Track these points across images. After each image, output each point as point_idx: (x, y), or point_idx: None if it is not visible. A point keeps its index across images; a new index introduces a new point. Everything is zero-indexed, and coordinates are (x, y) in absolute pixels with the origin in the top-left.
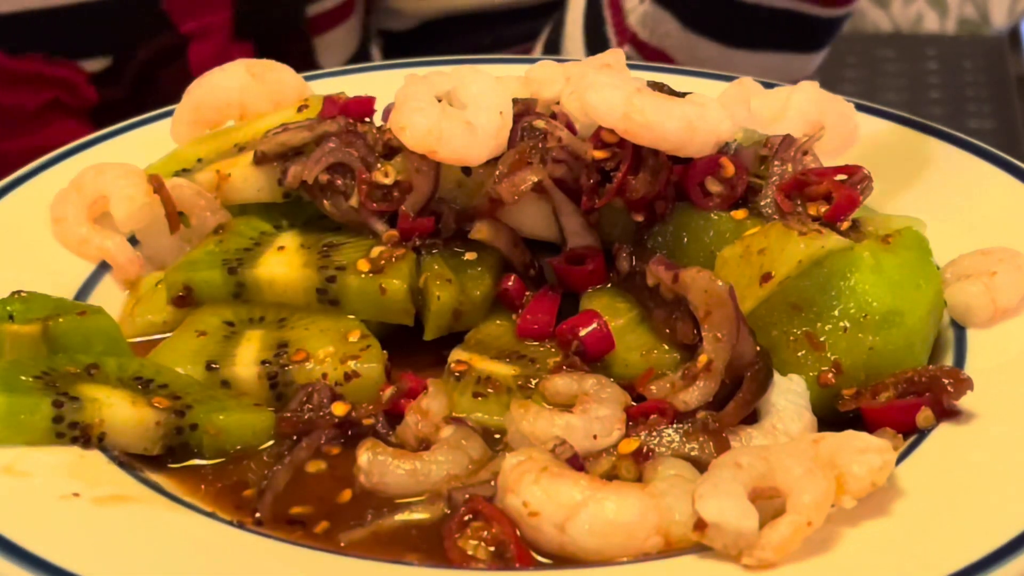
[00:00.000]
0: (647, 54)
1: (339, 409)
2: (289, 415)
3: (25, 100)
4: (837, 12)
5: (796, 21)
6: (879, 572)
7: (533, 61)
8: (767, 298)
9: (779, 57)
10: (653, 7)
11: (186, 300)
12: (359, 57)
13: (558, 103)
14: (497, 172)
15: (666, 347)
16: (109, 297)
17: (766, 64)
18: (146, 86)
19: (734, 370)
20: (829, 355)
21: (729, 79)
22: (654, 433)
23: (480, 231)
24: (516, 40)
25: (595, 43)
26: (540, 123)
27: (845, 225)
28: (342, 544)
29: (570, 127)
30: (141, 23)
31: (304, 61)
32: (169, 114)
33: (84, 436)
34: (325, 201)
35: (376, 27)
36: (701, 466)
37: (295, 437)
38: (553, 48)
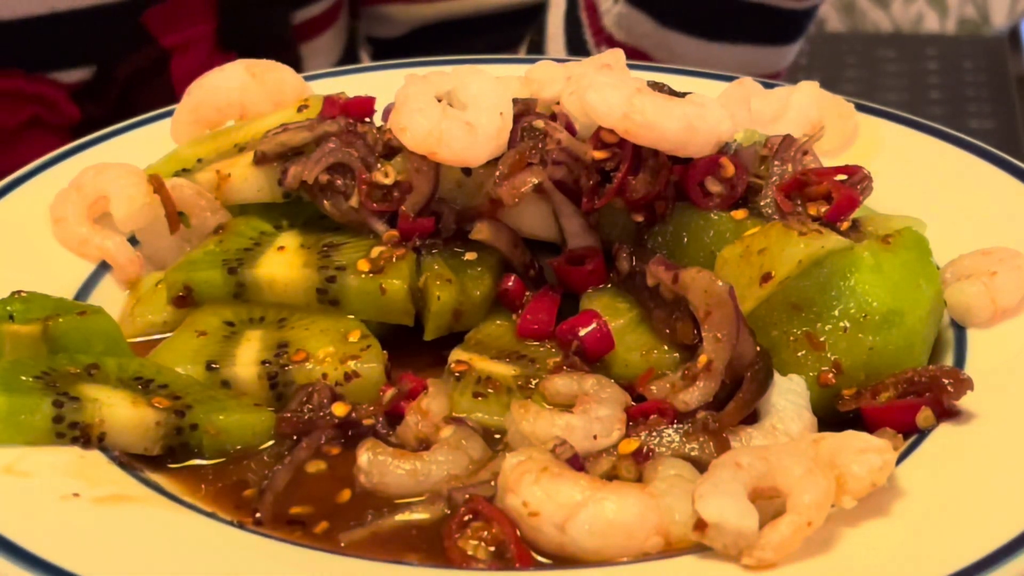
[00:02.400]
0: (626, 54)
1: (339, 409)
2: (289, 415)
3: (4, 119)
4: (807, 4)
5: (769, 13)
6: (879, 572)
7: (533, 61)
8: (767, 298)
9: (756, 50)
10: (627, 8)
11: (186, 300)
12: (346, 62)
13: (558, 103)
14: (497, 173)
15: (666, 347)
16: (109, 297)
17: (743, 58)
18: (128, 102)
19: (734, 370)
20: (829, 355)
21: (729, 79)
22: (654, 433)
23: (480, 231)
24: (507, 45)
25: (575, 46)
26: (540, 124)
27: (845, 225)
28: (342, 544)
29: (570, 127)
30: (121, 36)
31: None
32: (169, 114)
33: (84, 436)
34: (325, 201)
35: (365, 34)
36: (701, 466)
37: (295, 437)
38: (536, 52)
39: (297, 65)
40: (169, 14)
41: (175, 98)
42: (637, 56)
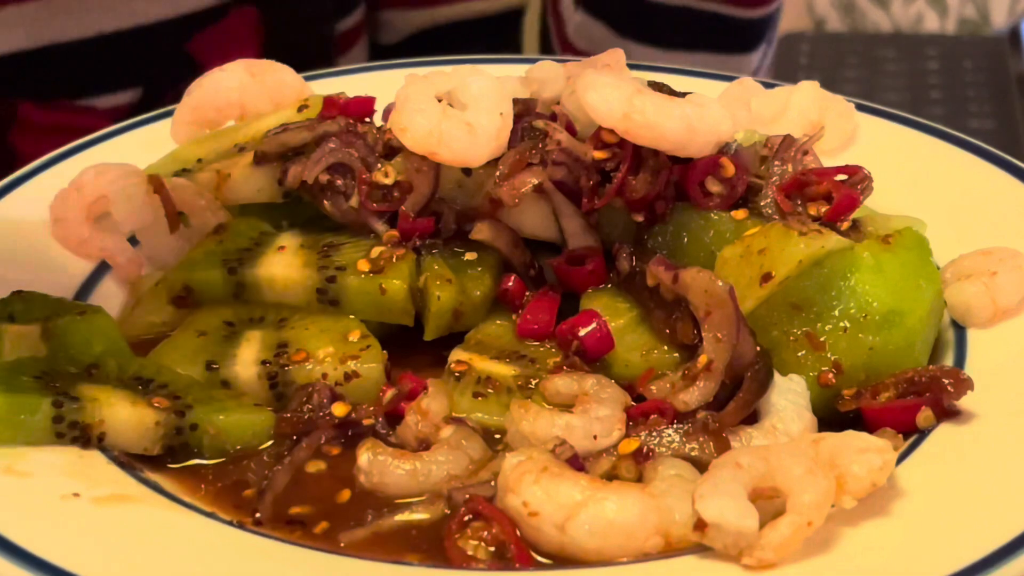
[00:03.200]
0: None
1: (339, 409)
2: (289, 415)
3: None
4: (758, 13)
5: (721, 23)
6: (879, 572)
7: (533, 61)
8: (767, 298)
9: (715, 58)
10: (585, 17)
11: (186, 300)
12: None
13: (558, 103)
14: (497, 173)
15: (666, 347)
16: (109, 297)
17: (704, 65)
18: None
19: (734, 370)
20: (829, 355)
21: (729, 79)
22: (654, 433)
23: (480, 231)
24: (504, 48)
25: (545, 52)
26: (540, 124)
27: (845, 225)
28: (342, 544)
29: (570, 127)
30: (166, 64)
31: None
32: (169, 114)
33: (84, 436)
34: (325, 201)
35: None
36: (701, 466)
37: (295, 437)
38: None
39: None
40: (215, 41)
41: None
42: None
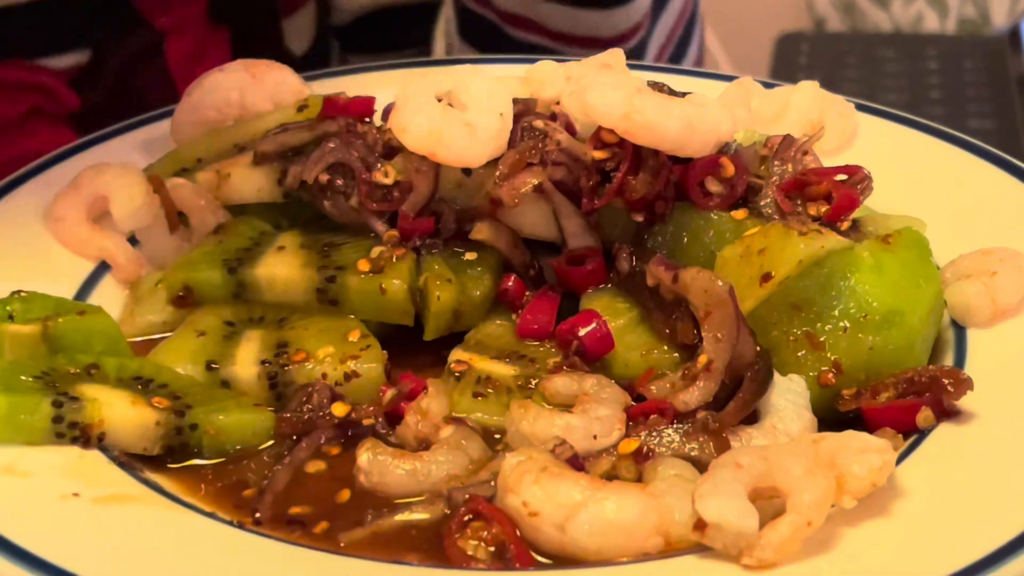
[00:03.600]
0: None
1: (339, 409)
2: (289, 415)
3: (6, 110)
4: None
5: None
6: (879, 572)
7: (533, 61)
8: (767, 298)
9: (582, 13)
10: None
11: (186, 300)
12: (320, 44)
13: (558, 103)
14: (497, 173)
15: (666, 347)
16: (109, 297)
17: (572, 19)
18: (125, 88)
19: (734, 370)
20: (829, 355)
21: (729, 79)
22: (654, 433)
23: (480, 231)
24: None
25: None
26: (540, 124)
27: (845, 225)
28: (342, 544)
29: (570, 127)
30: (114, 19)
31: (274, 45)
32: (169, 114)
33: (84, 436)
34: (325, 201)
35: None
36: (701, 466)
37: (295, 437)
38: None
39: (279, 41)
40: None
41: (172, 82)
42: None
